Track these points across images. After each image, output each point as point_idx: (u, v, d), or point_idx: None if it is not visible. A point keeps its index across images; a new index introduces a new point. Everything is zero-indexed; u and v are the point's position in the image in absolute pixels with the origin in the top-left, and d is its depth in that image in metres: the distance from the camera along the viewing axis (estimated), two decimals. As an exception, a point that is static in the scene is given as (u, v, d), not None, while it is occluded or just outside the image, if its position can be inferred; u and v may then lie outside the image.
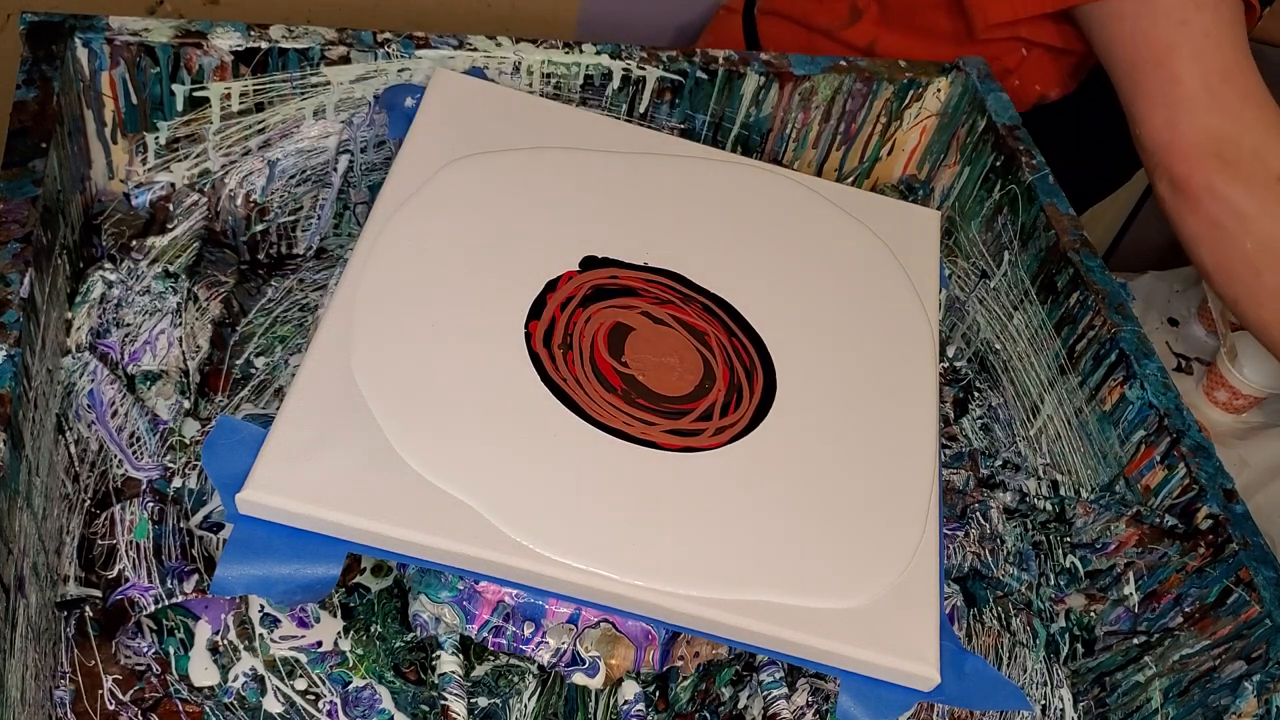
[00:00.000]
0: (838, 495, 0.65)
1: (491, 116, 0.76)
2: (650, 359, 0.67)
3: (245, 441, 0.58)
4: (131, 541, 0.64)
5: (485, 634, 0.61)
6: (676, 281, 0.72)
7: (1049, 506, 0.78)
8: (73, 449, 0.67)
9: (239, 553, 0.56)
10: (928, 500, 0.65)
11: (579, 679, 0.61)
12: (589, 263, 0.71)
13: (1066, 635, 0.74)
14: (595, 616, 0.61)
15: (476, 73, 0.79)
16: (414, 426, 0.60)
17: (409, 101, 0.76)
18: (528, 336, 0.66)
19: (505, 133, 0.75)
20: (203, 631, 0.63)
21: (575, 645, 0.61)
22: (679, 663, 0.64)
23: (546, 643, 0.61)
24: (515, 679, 0.65)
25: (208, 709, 0.61)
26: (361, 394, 0.60)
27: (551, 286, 0.69)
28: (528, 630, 0.61)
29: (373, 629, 0.65)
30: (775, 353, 0.70)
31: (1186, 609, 0.68)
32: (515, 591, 0.60)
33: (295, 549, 0.56)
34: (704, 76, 0.83)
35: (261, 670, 0.63)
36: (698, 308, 0.70)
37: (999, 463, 0.82)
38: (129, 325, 0.71)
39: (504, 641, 0.61)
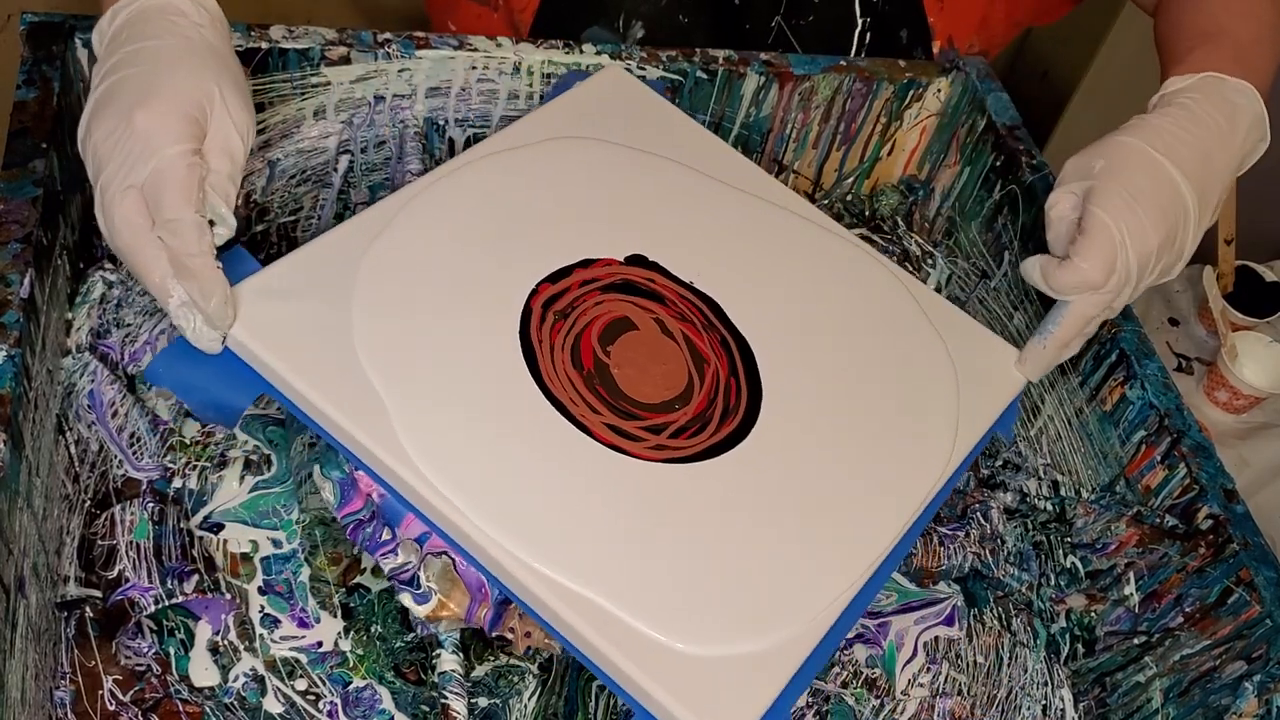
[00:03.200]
0: (759, 540, 0.61)
1: (631, 116, 0.77)
2: (636, 360, 0.67)
3: (241, 271, 0.62)
4: (131, 542, 0.64)
5: (349, 524, 0.63)
6: (710, 309, 0.70)
7: (1049, 506, 0.78)
8: (73, 449, 0.67)
9: (180, 352, 0.60)
10: (855, 579, 0.60)
11: (407, 599, 0.61)
12: (636, 260, 0.71)
13: (1067, 635, 0.74)
14: (440, 547, 0.61)
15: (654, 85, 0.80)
16: (376, 323, 0.62)
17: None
18: (534, 293, 0.66)
19: (635, 134, 0.76)
20: (203, 632, 0.63)
21: (420, 571, 0.61)
22: (509, 634, 0.62)
23: (395, 553, 0.62)
24: (515, 679, 0.65)
25: (208, 709, 0.61)
26: (353, 281, 0.63)
27: (586, 264, 0.69)
28: (384, 535, 0.62)
29: (373, 629, 0.65)
30: (766, 407, 0.67)
31: (1187, 609, 0.68)
32: (381, 491, 0.61)
33: (223, 370, 0.60)
34: (704, 76, 0.83)
35: (262, 670, 0.63)
36: (716, 339, 0.69)
37: (999, 463, 0.82)
38: (129, 325, 0.71)
39: (361, 539, 0.63)
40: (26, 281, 0.59)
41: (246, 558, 0.67)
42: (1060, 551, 0.76)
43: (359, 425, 0.58)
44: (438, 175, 0.70)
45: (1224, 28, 0.76)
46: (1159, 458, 0.71)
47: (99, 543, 0.65)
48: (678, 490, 0.62)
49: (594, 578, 0.56)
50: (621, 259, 0.70)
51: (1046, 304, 0.81)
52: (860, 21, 0.93)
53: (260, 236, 0.82)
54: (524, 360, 0.63)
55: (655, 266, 0.71)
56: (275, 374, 0.59)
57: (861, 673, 0.69)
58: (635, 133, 0.76)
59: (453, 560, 0.61)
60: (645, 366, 0.67)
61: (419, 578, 0.61)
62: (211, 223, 0.58)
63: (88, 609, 0.63)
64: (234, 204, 0.59)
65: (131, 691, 0.61)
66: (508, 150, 0.72)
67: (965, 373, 0.72)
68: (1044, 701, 0.72)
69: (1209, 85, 0.72)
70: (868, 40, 0.94)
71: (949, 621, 0.73)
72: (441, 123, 0.82)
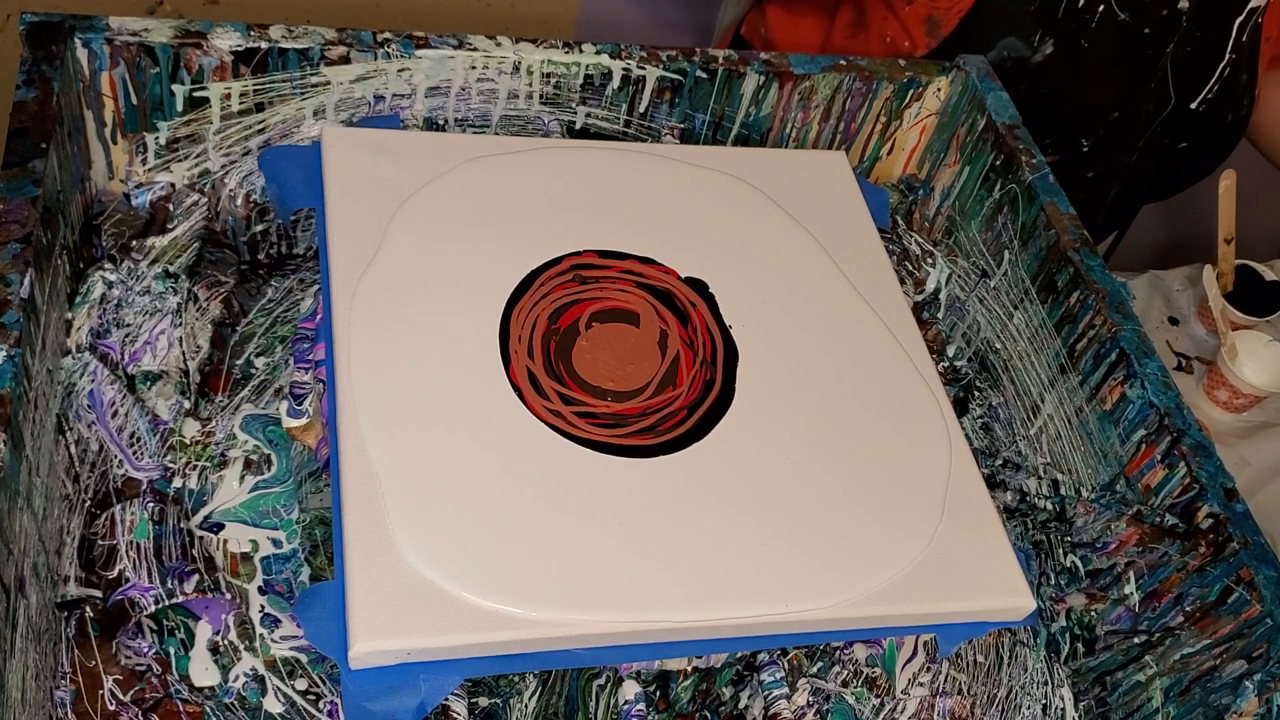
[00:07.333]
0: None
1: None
2: (612, 346, 0.69)
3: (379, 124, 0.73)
4: (132, 541, 0.64)
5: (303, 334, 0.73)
6: (725, 350, 0.72)
7: (1049, 506, 0.78)
8: (73, 449, 0.67)
9: (284, 150, 0.73)
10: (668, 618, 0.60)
11: (283, 408, 0.70)
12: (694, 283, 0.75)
13: (1067, 634, 0.74)
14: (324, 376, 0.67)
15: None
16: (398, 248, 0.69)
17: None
18: (542, 268, 0.71)
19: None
20: (203, 631, 0.63)
21: (311, 393, 0.70)
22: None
23: (306, 371, 0.71)
24: (515, 679, 0.65)
25: (208, 709, 0.61)
26: (430, 179, 0.73)
27: (619, 256, 0.74)
28: (312, 355, 0.71)
29: (373, 629, 0.65)
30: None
31: (1187, 608, 0.68)
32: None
33: (303, 176, 0.73)
34: (704, 76, 0.83)
35: (262, 670, 0.63)
36: (710, 375, 0.71)
37: (999, 462, 0.82)
38: (129, 325, 0.71)
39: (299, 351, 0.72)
40: (26, 281, 0.59)
41: (246, 557, 0.67)
42: (1060, 550, 0.76)
43: (339, 274, 0.67)
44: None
45: None
46: (1159, 457, 0.71)
47: (99, 543, 0.65)
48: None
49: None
50: (682, 275, 0.74)
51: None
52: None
53: (260, 236, 0.82)
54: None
55: (710, 299, 0.74)
56: (326, 196, 0.71)
57: (862, 672, 0.69)
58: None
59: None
60: (616, 356, 0.69)
61: (307, 398, 0.68)
62: None
63: (88, 609, 0.63)
64: None
65: (132, 691, 0.61)
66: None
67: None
68: (1044, 701, 0.72)
69: None
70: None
71: (949, 621, 0.73)
72: (441, 122, 0.82)
